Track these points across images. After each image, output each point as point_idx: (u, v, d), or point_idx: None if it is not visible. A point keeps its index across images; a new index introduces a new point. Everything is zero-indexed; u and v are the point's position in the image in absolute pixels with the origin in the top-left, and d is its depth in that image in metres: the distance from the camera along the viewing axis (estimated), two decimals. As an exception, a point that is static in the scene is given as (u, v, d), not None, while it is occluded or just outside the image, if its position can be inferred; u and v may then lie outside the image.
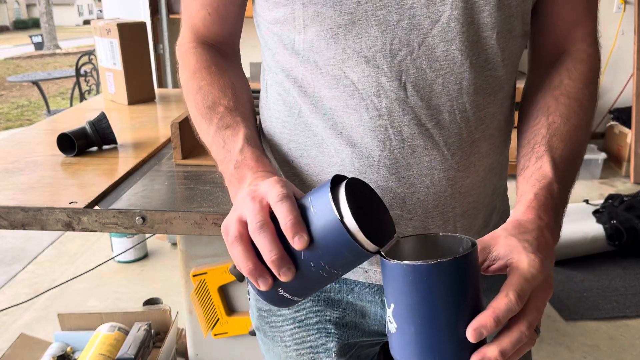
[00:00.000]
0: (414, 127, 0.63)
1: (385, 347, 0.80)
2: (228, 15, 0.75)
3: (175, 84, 3.63)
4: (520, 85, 0.79)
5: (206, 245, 1.49)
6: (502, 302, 0.48)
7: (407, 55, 0.61)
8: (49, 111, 5.16)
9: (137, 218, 1.02)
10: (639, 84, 3.78)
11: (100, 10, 18.97)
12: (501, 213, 0.78)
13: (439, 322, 0.48)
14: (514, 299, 0.48)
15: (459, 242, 0.52)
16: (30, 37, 16.88)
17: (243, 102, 0.72)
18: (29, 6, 35.43)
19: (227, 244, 0.54)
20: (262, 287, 0.52)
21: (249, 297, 0.86)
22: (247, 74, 0.80)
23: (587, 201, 3.01)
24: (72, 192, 1.10)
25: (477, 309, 0.49)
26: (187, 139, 1.27)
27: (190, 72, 0.73)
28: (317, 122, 0.67)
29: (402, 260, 0.48)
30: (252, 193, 0.54)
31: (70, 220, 1.03)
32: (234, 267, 1.46)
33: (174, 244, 2.95)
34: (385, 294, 0.51)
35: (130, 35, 1.81)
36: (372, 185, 0.60)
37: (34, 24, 28.55)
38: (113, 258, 2.86)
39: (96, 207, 1.04)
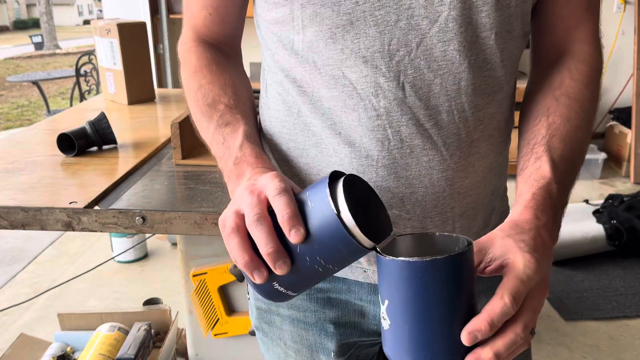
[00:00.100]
0: (413, 127, 0.63)
1: (385, 347, 0.80)
2: (228, 15, 0.75)
3: (175, 84, 3.63)
4: (521, 85, 0.79)
5: (206, 245, 1.49)
6: (497, 306, 0.48)
7: (405, 56, 0.61)
8: (49, 111, 5.16)
9: (137, 218, 1.02)
10: (639, 84, 3.78)
11: (100, 10, 18.98)
12: (501, 213, 0.78)
13: (432, 319, 0.48)
14: (509, 302, 0.48)
15: (456, 241, 0.52)
16: (30, 37, 16.88)
17: (243, 100, 0.72)
18: (29, 6, 35.44)
19: (223, 237, 0.54)
20: (258, 280, 0.53)
21: (249, 296, 0.86)
22: (248, 74, 0.81)
23: (587, 201, 3.01)
24: (72, 192, 1.10)
25: (472, 308, 0.49)
26: (187, 139, 1.27)
27: (191, 71, 0.74)
28: (316, 121, 0.67)
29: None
30: (250, 187, 0.54)
31: (70, 220, 1.03)
32: (234, 267, 1.46)
33: (174, 244, 2.95)
34: (379, 290, 0.51)
35: (130, 35, 1.81)
36: (370, 184, 0.60)
37: (34, 24, 28.56)
38: (113, 258, 2.86)
39: (96, 207, 1.05)
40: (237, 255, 0.52)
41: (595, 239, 2.71)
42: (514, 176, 0.67)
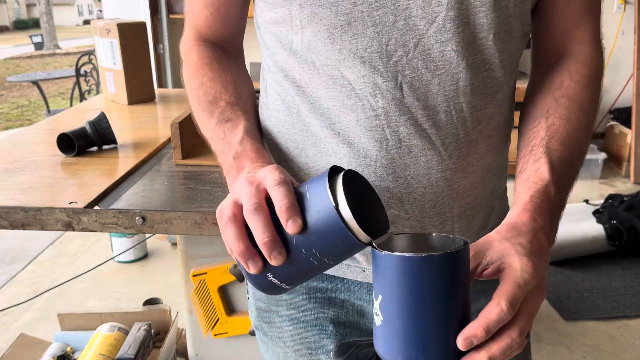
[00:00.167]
0: (411, 128, 0.63)
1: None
2: (229, 15, 0.76)
3: (175, 84, 3.63)
4: (521, 85, 0.79)
5: (206, 245, 1.49)
6: (493, 312, 0.48)
7: (402, 56, 0.61)
8: (49, 111, 5.16)
9: (137, 218, 1.02)
10: (639, 84, 3.78)
11: (100, 10, 18.97)
12: (500, 214, 0.78)
13: (425, 316, 0.48)
14: (505, 308, 0.48)
15: (452, 242, 0.52)
16: (30, 37, 16.88)
17: (244, 97, 0.72)
18: (29, 6, 35.44)
19: (220, 226, 0.54)
20: (252, 270, 0.52)
21: (248, 296, 0.86)
22: (247, 74, 0.81)
23: (587, 201, 3.01)
24: (72, 192, 1.10)
25: (465, 309, 0.49)
26: (187, 139, 1.27)
27: (193, 69, 0.74)
28: (315, 121, 0.67)
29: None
30: (250, 178, 0.55)
31: (70, 220, 1.03)
32: (234, 267, 1.46)
33: (174, 244, 2.95)
34: (374, 286, 0.51)
35: (130, 35, 1.81)
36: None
37: (34, 24, 28.56)
38: (113, 258, 2.86)
39: (96, 207, 1.05)
40: (233, 244, 0.52)
41: (595, 239, 2.71)
42: (514, 176, 0.67)
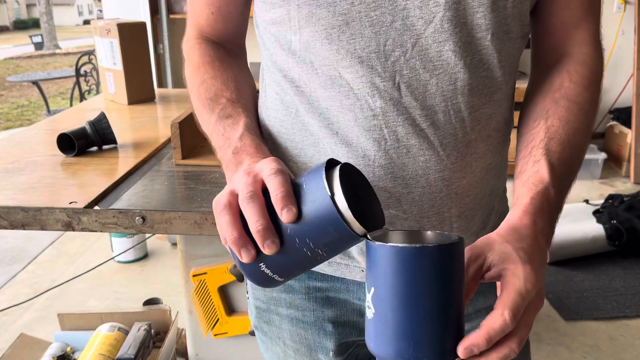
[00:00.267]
0: (409, 127, 0.63)
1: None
2: (230, 14, 0.76)
3: (175, 84, 3.63)
4: (521, 85, 0.79)
5: (206, 245, 1.49)
6: (496, 322, 0.48)
7: (400, 56, 0.61)
8: (49, 111, 5.16)
9: (137, 218, 1.02)
10: (639, 84, 3.78)
11: (100, 10, 18.97)
12: (500, 214, 0.78)
13: (417, 309, 0.47)
14: (509, 319, 0.48)
15: (447, 238, 0.52)
16: (30, 37, 16.89)
17: (245, 94, 0.73)
18: (29, 6, 35.44)
19: (215, 216, 0.54)
20: (244, 259, 0.52)
21: (248, 296, 0.86)
22: (247, 74, 0.81)
23: (587, 201, 3.01)
24: (72, 192, 1.10)
25: (458, 303, 0.49)
26: (187, 139, 1.27)
27: (194, 67, 0.74)
28: (314, 121, 0.67)
29: None
30: (247, 169, 0.55)
31: (70, 220, 1.03)
32: (234, 266, 1.46)
33: (174, 244, 2.95)
34: (366, 279, 0.51)
35: (130, 35, 1.81)
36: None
37: (34, 24, 28.56)
38: (113, 258, 2.87)
39: (96, 207, 1.05)
40: (227, 232, 0.52)
41: (595, 239, 2.71)
42: (513, 177, 0.67)
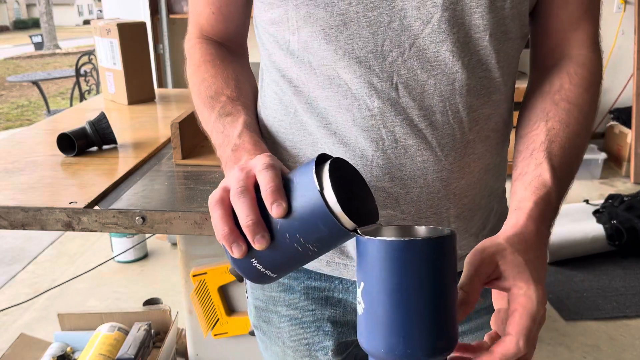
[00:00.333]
0: (407, 128, 0.63)
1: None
2: (231, 14, 0.76)
3: (175, 84, 3.63)
4: (521, 85, 0.79)
5: (206, 245, 1.49)
6: (511, 350, 0.48)
7: (398, 57, 0.61)
8: (49, 111, 5.16)
9: (137, 218, 1.02)
10: (639, 84, 3.78)
11: (100, 10, 18.98)
12: (499, 215, 0.77)
13: (407, 303, 0.47)
14: (522, 346, 0.48)
15: (441, 233, 0.52)
16: (30, 37, 16.89)
17: (245, 93, 0.73)
18: (29, 6, 35.45)
19: (210, 211, 0.54)
20: (235, 254, 0.52)
21: (247, 295, 0.86)
22: (247, 74, 0.81)
23: (587, 201, 3.01)
24: (72, 192, 1.10)
25: (449, 298, 0.48)
26: (187, 139, 1.27)
27: (195, 66, 0.75)
28: (312, 121, 0.67)
29: None
30: (242, 165, 0.55)
31: (70, 220, 1.03)
32: (234, 267, 1.46)
33: (174, 244, 2.95)
34: (357, 274, 0.50)
35: (130, 35, 1.81)
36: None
37: (34, 24, 28.57)
38: (113, 258, 2.87)
39: (96, 207, 1.05)
40: (218, 227, 0.52)
41: (595, 239, 2.71)
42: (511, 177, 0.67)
